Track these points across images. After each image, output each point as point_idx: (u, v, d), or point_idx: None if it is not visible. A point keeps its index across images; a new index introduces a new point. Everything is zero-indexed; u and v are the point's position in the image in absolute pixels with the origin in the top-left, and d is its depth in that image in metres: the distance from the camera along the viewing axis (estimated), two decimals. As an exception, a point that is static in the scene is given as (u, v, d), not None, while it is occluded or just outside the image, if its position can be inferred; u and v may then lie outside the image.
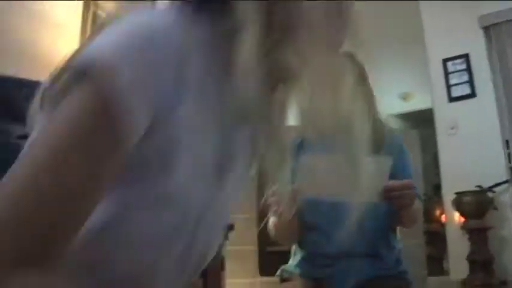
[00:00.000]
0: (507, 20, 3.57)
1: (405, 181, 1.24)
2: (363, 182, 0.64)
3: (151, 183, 0.51)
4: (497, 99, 3.59)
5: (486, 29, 3.69)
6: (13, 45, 2.25)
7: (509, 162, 3.48)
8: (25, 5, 2.31)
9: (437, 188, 4.79)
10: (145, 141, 0.48)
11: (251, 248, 3.25)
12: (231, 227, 2.19)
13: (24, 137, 0.59)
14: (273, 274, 3.29)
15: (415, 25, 4.12)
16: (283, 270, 1.53)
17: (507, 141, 3.51)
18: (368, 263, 1.38)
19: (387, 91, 6.51)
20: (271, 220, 1.44)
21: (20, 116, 1.61)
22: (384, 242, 1.42)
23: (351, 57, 1.55)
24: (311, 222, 1.43)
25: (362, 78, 1.51)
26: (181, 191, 0.52)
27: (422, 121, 6.30)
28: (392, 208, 1.35)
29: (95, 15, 2.68)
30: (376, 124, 1.51)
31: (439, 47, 3.89)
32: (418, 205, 1.42)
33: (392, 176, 1.38)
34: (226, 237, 2.19)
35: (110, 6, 2.78)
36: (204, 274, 2.11)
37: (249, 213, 3.24)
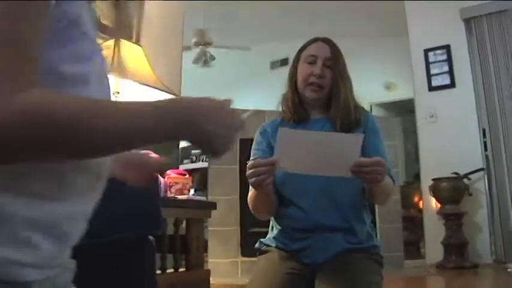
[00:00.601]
0: (488, 13, 3.68)
1: (375, 158, 1.30)
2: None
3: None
4: (476, 90, 3.71)
5: (467, 21, 3.79)
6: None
7: (485, 150, 3.61)
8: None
9: (417, 176, 4.92)
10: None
11: (233, 229, 3.33)
12: (213, 206, 2.27)
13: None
14: (253, 255, 3.39)
15: (399, 16, 4.21)
16: (261, 243, 1.60)
17: (484, 130, 3.63)
18: (341, 236, 1.46)
19: (372, 81, 6.61)
20: (250, 193, 1.51)
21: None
22: (356, 217, 1.50)
23: (328, 41, 1.63)
24: (288, 197, 1.51)
25: (337, 63, 1.59)
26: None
27: (405, 111, 6.43)
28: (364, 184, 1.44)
29: None
30: (352, 106, 1.59)
31: (421, 37, 3.99)
32: (389, 182, 1.51)
33: (365, 156, 1.47)
34: (208, 215, 2.27)
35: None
36: (187, 254, 2.20)
37: (231, 194, 3.32)
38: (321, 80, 1.57)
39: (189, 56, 6.27)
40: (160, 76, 3.05)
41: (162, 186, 2.07)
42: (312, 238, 1.46)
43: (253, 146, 1.64)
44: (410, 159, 6.52)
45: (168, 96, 2.45)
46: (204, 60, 6.31)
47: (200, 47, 6.24)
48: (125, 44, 2.33)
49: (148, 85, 2.29)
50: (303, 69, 1.62)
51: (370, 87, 6.61)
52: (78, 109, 0.56)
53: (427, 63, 3.90)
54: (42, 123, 0.52)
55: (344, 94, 1.58)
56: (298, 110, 1.63)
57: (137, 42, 2.96)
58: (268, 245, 1.56)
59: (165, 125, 0.64)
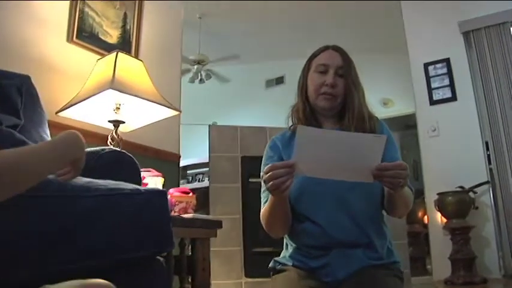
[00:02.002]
0: (486, 26, 3.67)
1: (398, 161, 1.23)
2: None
3: None
4: (477, 103, 3.68)
5: (466, 35, 3.78)
6: (-1, 40, 2.23)
7: (489, 163, 3.56)
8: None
9: (418, 192, 4.86)
10: None
11: (236, 249, 3.24)
12: (219, 224, 2.18)
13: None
14: (257, 275, 3.31)
15: (395, 32, 4.20)
16: (275, 262, 1.52)
17: (487, 143, 3.59)
18: (361, 252, 1.39)
19: (368, 97, 6.60)
20: (262, 209, 1.44)
21: (7, 107, 1.59)
22: (376, 231, 1.43)
23: (339, 49, 1.58)
24: (302, 212, 1.44)
25: (349, 71, 1.54)
26: None
27: (402, 127, 6.41)
28: (383, 193, 1.37)
29: (81, 12, 2.66)
30: (367, 115, 1.53)
31: (420, 51, 3.98)
32: (409, 192, 1.44)
33: None
34: (214, 234, 2.19)
35: (97, 4, 2.77)
36: (193, 275, 2.11)
37: (234, 213, 3.24)
38: (334, 89, 1.51)
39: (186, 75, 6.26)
40: (161, 92, 3.01)
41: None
42: (330, 255, 1.38)
43: (263, 161, 1.57)
44: (410, 175, 6.48)
45: (168, 110, 2.38)
46: (200, 79, 6.29)
47: (196, 66, 6.22)
48: (124, 58, 2.28)
49: (148, 99, 2.23)
50: (314, 79, 1.56)
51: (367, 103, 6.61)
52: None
53: (428, 77, 3.88)
54: None
55: (358, 103, 1.52)
56: (310, 120, 1.56)
57: (136, 57, 2.91)
58: (284, 264, 1.48)
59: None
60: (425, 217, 4.02)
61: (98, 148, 1.58)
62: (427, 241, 3.84)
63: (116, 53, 2.29)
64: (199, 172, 6.50)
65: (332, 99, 1.52)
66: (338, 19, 5.32)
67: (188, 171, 6.68)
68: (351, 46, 5.00)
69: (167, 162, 3.06)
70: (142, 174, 2.25)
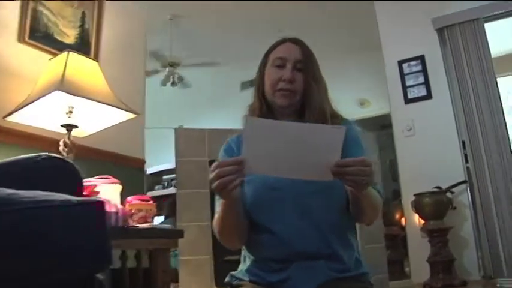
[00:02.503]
0: (460, 22, 3.59)
1: (360, 157, 1.10)
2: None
3: None
4: (453, 100, 3.59)
5: (440, 31, 3.70)
6: None
7: (466, 162, 3.47)
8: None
9: (396, 193, 4.76)
10: None
11: (206, 258, 3.09)
12: (180, 234, 2.04)
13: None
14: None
15: (370, 31, 4.10)
16: (231, 277, 1.38)
17: (463, 142, 3.50)
18: (324, 264, 1.26)
19: (344, 98, 6.51)
20: (215, 217, 1.30)
21: None
22: (340, 240, 1.30)
23: (298, 42, 1.45)
24: (259, 222, 1.30)
25: (309, 65, 1.42)
26: None
27: (379, 127, 6.34)
28: (346, 196, 1.24)
29: (35, 11, 2.50)
30: (329, 112, 1.41)
31: (394, 49, 3.88)
32: (376, 195, 1.31)
33: None
34: (175, 245, 2.04)
35: (52, 3, 2.60)
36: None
37: (203, 220, 3.09)
38: (292, 84, 1.38)
39: (159, 78, 6.10)
40: (122, 95, 2.85)
41: (119, 214, 1.84)
42: (291, 268, 1.25)
43: None
44: (387, 176, 6.40)
45: (126, 113, 2.23)
46: (172, 81, 6.11)
47: (168, 68, 6.06)
48: (77, 58, 2.12)
49: (102, 102, 2.07)
50: (270, 74, 1.43)
51: (342, 104, 6.49)
52: None
53: (402, 75, 3.78)
54: None
55: (318, 99, 1.39)
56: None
57: (96, 58, 2.76)
58: (240, 279, 1.34)
59: None
60: (403, 219, 3.92)
61: (33, 154, 1.42)
62: (405, 244, 3.74)
63: (66, 52, 2.13)
64: (175, 177, 6.33)
65: (290, 95, 1.39)
66: (311, 19, 5.21)
67: (164, 177, 6.52)
68: (326, 46, 4.93)
69: (131, 169, 2.90)
70: (97, 181, 2.10)
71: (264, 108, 1.44)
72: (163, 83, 6.10)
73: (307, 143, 1.04)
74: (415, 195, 3.40)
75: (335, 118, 1.43)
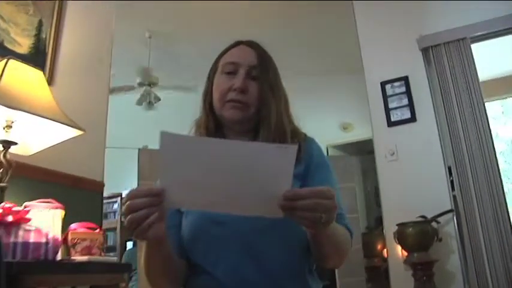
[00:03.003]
0: (446, 42, 3.42)
1: (318, 187, 0.85)
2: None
3: None
4: (438, 123, 3.39)
5: (425, 51, 3.52)
6: None
7: (453, 190, 3.25)
8: None
9: (379, 220, 4.53)
10: None
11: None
12: (127, 267, 1.77)
13: None
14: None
15: (353, 52, 3.92)
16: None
17: (449, 168, 3.28)
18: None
19: (327, 121, 6.33)
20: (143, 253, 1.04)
21: None
22: (296, 286, 1.05)
23: (254, 44, 1.22)
24: (197, 262, 1.05)
25: (266, 72, 1.19)
26: None
27: (363, 152, 6.14)
28: (303, 232, 0.99)
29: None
30: (288, 130, 1.18)
31: (377, 69, 3.69)
32: (343, 233, 1.07)
33: None
34: (121, 280, 1.77)
35: (3, 8, 2.38)
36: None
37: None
38: (244, 95, 1.15)
39: (134, 97, 5.87)
40: (82, 112, 2.61)
41: (50, 245, 1.57)
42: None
43: None
44: (370, 203, 6.18)
45: (72, 130, 1.98)
46: (149, 101, 5.87)
47: (144, 87, 5.83)
48: (18, 66, 1.88)
49: (42, 116, 1.82)
50: (219, 83, 1.19)
51: (325, 128, 6.33)
52: None
53: (385, 97, 3.58)
54: None
55: (276, 114, 1.16)
56: (215, 137, 1.20)
57: (52, 70, 2.53)
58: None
59: None
60: (385, 250, 3.67)
61: None
62: (387, 276, 3.48)
63: (6, 59, 1.89)
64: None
65: (241, 108, 1.15)
66: (291, 39, 5.04)
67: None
68: (306, 68, 4.76)
69: (88, 192, 2.64)
70: (36, 205, 1.84)
71: (211, 124, 1.20)
72: (139, 102, 5.87)
73: (246, 168, 0.80)
74: (397, 224, 3.16)
75: (296, 136, 1.20)
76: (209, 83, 1.25)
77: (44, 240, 1.55)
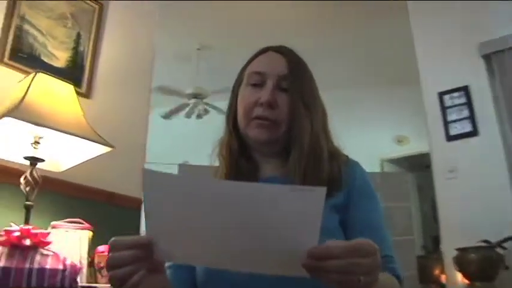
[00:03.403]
0: (510, 47, 3.12)
1: (355, 241, 0.65)
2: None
3: None
4: (503, 137, 3.07)
5: (487, 58, 3.23)
6: None
7: (520, 212, 2.93)
8: None
9: (437, 240, 4.21)
10: None
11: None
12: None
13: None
14: None
15: (409, 62, 3.68)
16: None
17: (516, 187, 2.97)
18: None
19: (381, 134, 6.04)
20: None
21: None
22: None
23: (284, 50, 1.05)
24: None
25: (298, 82, 1.02)
26: None
27: (420, 166, 5.79)
28: None
29: (19, 30, 2.23)
30: (326, 152, 0.99)
31: (434, 79, 3.42)
32: (390, 283, 0.88)
33: (347, 236, 0.86)
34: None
35: (41, 21, 2.33)
36: None
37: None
38: (272, 111, 0.98)
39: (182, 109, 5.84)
40: (120, 127, 2.54)
41: (67, 272, 1.45)
42: None
43: None
44: (428, 221, 5.82)
45: (102, 147, 1.88)
46: (197, 114, 5.82)
47: (194, 100, 5.78)
48: (47, 80, 1.80)
49: (69, 133, 1.73)
50: (244, 96, 1.03)
51: (379, 141, 6.04)
52: None
53: (443, 109, 3.30)
54: None
55: (310, 133, 0.98)
56: (239, 162, 1.04)
57: (90, 84, 2.47)
58: None
59: None
60: (443, 276, 3.37)
61: None
62: (446, 305, 3.18)
63: (34, 73, 1.82)
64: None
65: (269, 126, 0.98)
66: (343, 50, 4.84)
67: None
68: (358, 79, 4.55)
69: (125, 209, 2.54)
70: (60, 224, 1.75)
71: (234, 144, 1.04)
72: (188, 115, 5.83)
73: (258, 217, 0.63)
74: (457, 249, 2.87)
75: (336, 159, 1.01)
76: (233, 96, 1.09)
77: (60, 266, 1.44)
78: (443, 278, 3.47)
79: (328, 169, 0.97)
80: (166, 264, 0.98)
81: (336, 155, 1.03)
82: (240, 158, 1.03)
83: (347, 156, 1.06)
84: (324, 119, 1.06)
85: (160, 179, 0.63)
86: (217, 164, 1.08)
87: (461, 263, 2.84)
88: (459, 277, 2.93)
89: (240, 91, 1.06)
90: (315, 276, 0.63)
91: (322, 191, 0.60)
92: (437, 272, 3.87)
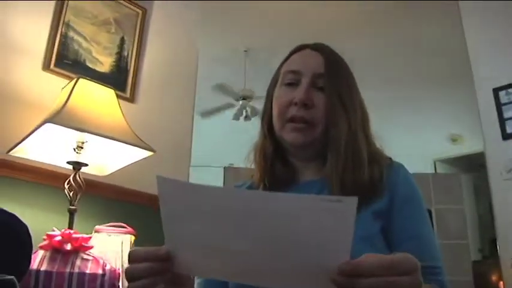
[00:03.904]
0: None
1: (391, 257, 0.59)
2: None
3: None
4: None
5: (546, 50, 3.03)
6: None
7: None
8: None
9: (494, 244, 4.00)
10: None
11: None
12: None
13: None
14: None
15: (462, 55, 3.51)
16: None
17: None
18: None
19: (434, 133, 5.82)
20: None
21: None
22: None
23: (321, 48, 1.00)
24: None
25: (336, 81, 0.96)
26: None
27: (475, 166, 5.55)
28: None
29: (65, 37, 2.28)
30: (365, 155, 0.94)
31: (488, 74, 3.24)
32: None
33: (391, 248, 0.81)
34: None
35: (85, 27, 2.38)
36: None
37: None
38: (308, 111, 0.93)
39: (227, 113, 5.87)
40: (165, 131, 2.55)
41: (107, 277, 1.45)
42: None
43: None
44: (485, 224, 5.55)
45: (143, 151, 1.88)
46: (245, 115, 5.82)
47: (241, 101, 5.79)
48: (88, 86, 1.82)
49: (110, 137, 1.74)
50: (279, 96, 0.98)
51: (432, 140, 5.82)
52: None
53: (499, 105, 3.12)
54: None
55: (348, 134, 0.92)
56: (274, 167, 0.99)
57: (133, 89, 2.49)
58: None
59: None
60: (501, 283, 3.19)
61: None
62: (505, 313, 3.00)
63: (76, 79, 1.84)
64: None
65: (305, 129, 0.93)
66: (391, 48, 4.70)
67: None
68: (409, 77, 4.39)
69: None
70: (102, 228, 1.76)
71: (269, 148, 1.00)
72: (236, 117, 5.84)
73: (282, 229, 0.58)
74: (516, 254, 2.71)
75: (377, 161, 0.95)
76: (268, 97, 1.05)
77: (100, 271, 1.44)
78: (501, 285, 3.29)
79: (366, 172, 0.91)
80: (198, 280, 0.95)
81: (377, 157, 0.96)
82: (275, 162, 0.99)
83: (390, 158, 1.00)
84: (364, 120, 1.00)
85: (176, 187, 0.60)
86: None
87: (520, 269, 2.68)
88: (519, 284, 2.76)
89: (275, 92, 1.02)
90: None
91: (353, 201, 0.54)
92: (494, 278, 3.67)
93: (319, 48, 1.02)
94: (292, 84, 0.97)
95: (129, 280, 0.63)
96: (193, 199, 0.59)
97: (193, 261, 0.63)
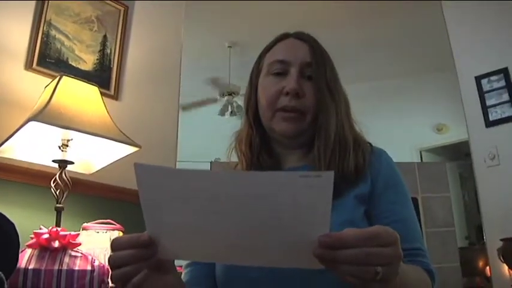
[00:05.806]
0: (553, 26, 2.96)
1: (370, 229, 0.60)
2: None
3: None
4: (547, 121, 2.93)
5: (527, 37, 3.07)
6: None
7: None
8: None
9: (480, 230, 4.06)
10: None
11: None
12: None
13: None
14: None
15: (445, 48, 3.55)
16: None
17: None
18: None
19: (419, 123, 5.88)
20: None
21: None
22: None
23: (306, 37, 1.00)
24: None
25: (323, 70, 0.97)
26: None
27: (461, 155, 5.61)
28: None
29: (47, 36, 2.26)
30: (351, 140, 0.95)
31: (470, 63, 3.28)
32: (419, 278, 0.82)
33: (368, 220, 0.82)
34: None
35: (67, 26, 2.36)
36: None
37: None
38: (299, 100, 0.94)
39: (211, 109, 5.88)
40: (150, 126, 2.55)
41: (95, 273, 1.45)
42: None
43: None
44: (470, 211, 5.62)
45: (128, 147, 1.88)
46: (231, 111, 5.82)
47: (226, 97, 5.79)
48: (71, 83, 1.81)
49: (95, 134, 1.73)
50: (267, 86, 0.99)
51: (417, 130, 5.88)
52: None
53: (481, 93, 3.16)
54: None
55: (336, 121, 0.94)
56: (260, 157, 1.00)
57: (117, 85, 2.48)
58: None
59: None
60: (487, 268, 3.24)
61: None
62: (492, 298, 3.05)
63: (59, 76, 1.83)
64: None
65: (296, 119, 0.94)
66: (373, 41, 4.72)
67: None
68: (392, 69, 4.42)
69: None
70: (91, 226, 1.76)
71: (256, 138, 1.00)
72: (222, 112, 5.84)
73: (262, 207, 0.58)
74: (502, 239, 2.74)
75: (360, 147, 0.97)
76: (252, 87, 1.05)
77: (89, 267, 1.44)
78: (487, 270, 3.34)
79: (351, 156, 0.93)
80: (186, 262, 0.96)
81: (359, 142, 0.98)
82: (261, 152, 1.00)
83: (371, 144, 1.01)
84: (346, 107, 1.01)
85: (154, 173, 0.60)
86: (234, 159, 1.05)
87: (506, 254, 2.71)
88: (505, 269, 2.80)
89: (260, 81, 1.02)
90: (328, 267, 0.59)
91: (330, 175, 0.55)
92: (481, 264, 3.73)
93: (303, 37, 1.03)
94: (280, 74, 0.97)
95: (112, 268, 0.63)
96: (171, 183, 0.60)
97: (177, 246, 0.64)
